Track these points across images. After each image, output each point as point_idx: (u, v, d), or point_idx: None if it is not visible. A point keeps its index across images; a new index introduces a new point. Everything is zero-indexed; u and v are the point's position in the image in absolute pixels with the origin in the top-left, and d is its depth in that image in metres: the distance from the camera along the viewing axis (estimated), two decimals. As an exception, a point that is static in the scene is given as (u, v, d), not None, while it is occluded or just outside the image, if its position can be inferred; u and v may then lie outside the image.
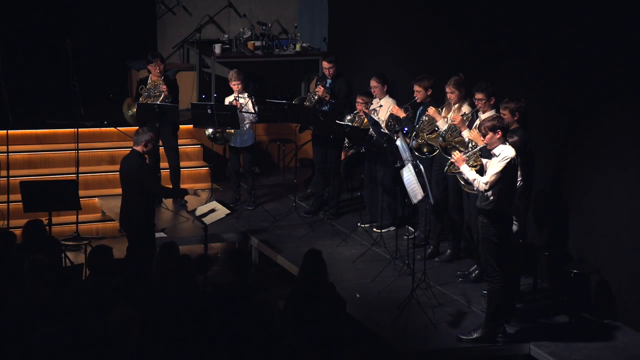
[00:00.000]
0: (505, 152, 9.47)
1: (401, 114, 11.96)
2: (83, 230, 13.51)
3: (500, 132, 9.50)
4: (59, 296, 8.70)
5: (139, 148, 10.86)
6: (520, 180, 10.00)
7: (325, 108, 12.96)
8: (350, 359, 8.79)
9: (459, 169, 9.85)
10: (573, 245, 10.91)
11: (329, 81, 13.14)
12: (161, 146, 13.35)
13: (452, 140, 10.96)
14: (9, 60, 14.60)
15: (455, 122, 10.89)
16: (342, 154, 13.24)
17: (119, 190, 11.31)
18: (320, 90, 13.01)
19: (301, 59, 16.14)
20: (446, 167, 10.40)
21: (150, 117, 12.92)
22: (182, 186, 13.70)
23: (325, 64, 13.19)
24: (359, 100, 12.66)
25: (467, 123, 10.79)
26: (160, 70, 13.18)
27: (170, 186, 13.34)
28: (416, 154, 11.42)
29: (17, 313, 8.27)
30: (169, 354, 8.06)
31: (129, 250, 10.91)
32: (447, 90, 11.31)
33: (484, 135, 9.58)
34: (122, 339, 7.54)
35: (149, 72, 13.28)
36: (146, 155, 11.05)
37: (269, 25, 16.23)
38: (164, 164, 13.42)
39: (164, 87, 13.10)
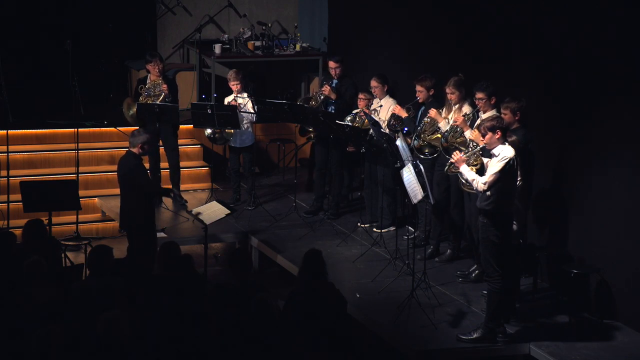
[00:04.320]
0: (504, 153, 9.47)
1: (403, 114, 11.94)
2: (83, 230, 13.51)
3: (499, 133, 9.50)
4: (59, 296, 8.70)
5: (135, 150, 10.85)
6: (520, 180, 10.00)
7: (331, 108, 12.94)
8: (350, 359, 8.79)
9: (458, 169, 9.85)
10: (573, 245, 10.90)
11: (334, 81, 13.11)
12: (161, 146, 13.37)
13: (454, 140, 10.95)
14: (9, 60, 14.59)
15: (457, 123, 10.88)
16: (349, 147, 13.11)
17: (119, 190, 11.31)
18: (326, 89, 12.98)
19: (301, 59, 16.12)
20: (446, 167, 10.40)
21: (150, 117, 12.92)
22: (183, 186, 13.77)
23: (331, 64, 13.12)
24: (360, 96, 12.61)
25: (468, 123, 10.79)
26: (159, 70, 13.18)
27: (170, 186, 13.35)
28: (418, 155, 11.41)
29: (17, 313, 8.27)
30: (168, 354, 8.06)
31: (129, 250, 10.91)
32: (447, 91, 11.29)
33: (483, 136, 9.58)
34: (112, 340, 7.55)
35: (148, 71, 13.28)
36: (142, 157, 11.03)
37: (269, 25, 16.22)
38: (164, 164, 13.42)
39: (164, 86, 13.09)
